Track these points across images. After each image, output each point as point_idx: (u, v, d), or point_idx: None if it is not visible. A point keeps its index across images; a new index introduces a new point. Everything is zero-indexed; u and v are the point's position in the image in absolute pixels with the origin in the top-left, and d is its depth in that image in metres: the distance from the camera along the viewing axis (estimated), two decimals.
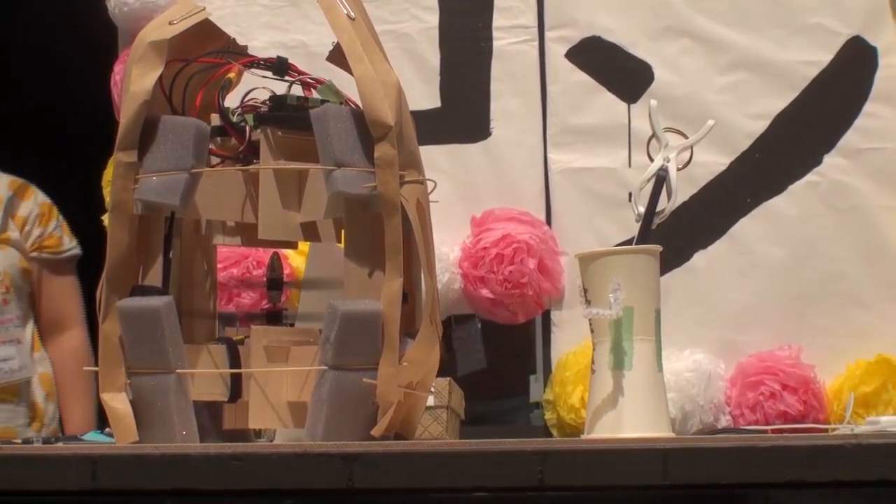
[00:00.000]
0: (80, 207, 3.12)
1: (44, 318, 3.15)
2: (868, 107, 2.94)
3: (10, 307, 2.95)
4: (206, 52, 1.88)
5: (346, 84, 1.86)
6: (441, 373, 1.94)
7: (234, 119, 1.84)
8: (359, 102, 1.79)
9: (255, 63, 1.89)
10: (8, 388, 2.92)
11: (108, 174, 2.92)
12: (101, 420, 2.84)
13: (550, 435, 2.91)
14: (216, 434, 1.85)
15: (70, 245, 3.19)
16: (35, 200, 3.11)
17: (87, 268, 3.01)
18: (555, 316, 2.99)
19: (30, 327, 3.05)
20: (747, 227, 2.95)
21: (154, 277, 1.78)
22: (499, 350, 4.04)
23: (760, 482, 1.44)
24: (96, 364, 1.77)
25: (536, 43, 3.04)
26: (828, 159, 2.95)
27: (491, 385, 3.94)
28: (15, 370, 2.91)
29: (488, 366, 3.99)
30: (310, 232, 1.91)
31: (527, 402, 3.60)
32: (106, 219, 2.85)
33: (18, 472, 1.48)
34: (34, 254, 3.08)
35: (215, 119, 1.85)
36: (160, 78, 1.78)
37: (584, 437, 1.84)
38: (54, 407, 3.08)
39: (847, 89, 2.96)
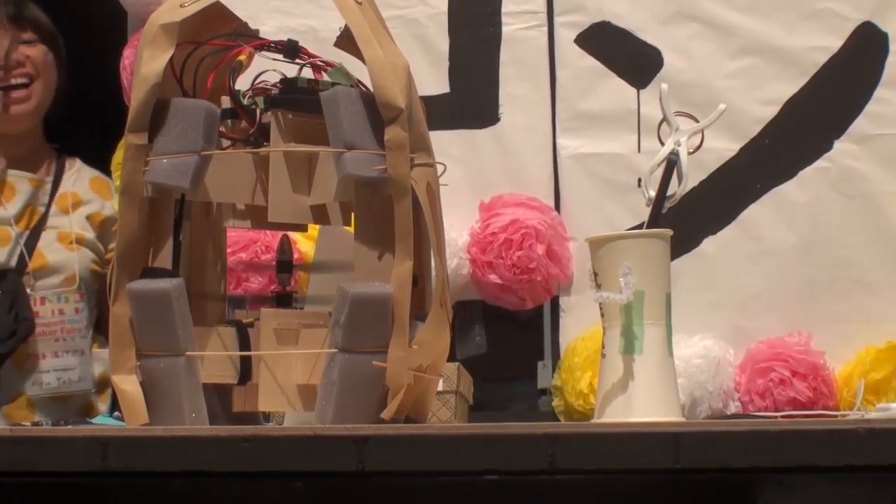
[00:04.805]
0: None
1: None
2: (878, 92, 2.93)
3: (81, 316, 2.90)
4: (216, 35, 1.88)
5: (355, 70, 1.86)
6: (448, 358, 1.94)
7: (245, 102, 1.83)
8: (369, 86, 1.78)
9: (265, 45, 1.88)
10: (63, 396, 2.91)
11: (118, 157, 2.91)
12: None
13: (558, 421, 2.90)
14: (225, 417, 1.85)
15: None
16: (115, 203, 3.05)
17: None
18: (563, 302, 2.99)
19: (93, 327, 3.01)
20: (757, 213, 2.94)
21: (164, 260, 1.78)
22: (506, 336, 4.03)
23: (772, 466, 1.44)
24: None
25: (546, 28, 3.03)
26: (838, 145, 2.94)
27: (499, 371, 3.93)
28: (74, 381, 2.88)
29: (496, 352, 3.99)
30: (320, 215, 1.90)
31: (535, 388, 3.60)
32: (116, 201, 2.86)
33: (29, 453, 1.48)
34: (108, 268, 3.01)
35: (226, 102, 1.84)
36: (171, 61, 1.77)
37: (594, 421, 1.84)
38: (106, 407, 3.06)
39: (857, 75, 2.95)
